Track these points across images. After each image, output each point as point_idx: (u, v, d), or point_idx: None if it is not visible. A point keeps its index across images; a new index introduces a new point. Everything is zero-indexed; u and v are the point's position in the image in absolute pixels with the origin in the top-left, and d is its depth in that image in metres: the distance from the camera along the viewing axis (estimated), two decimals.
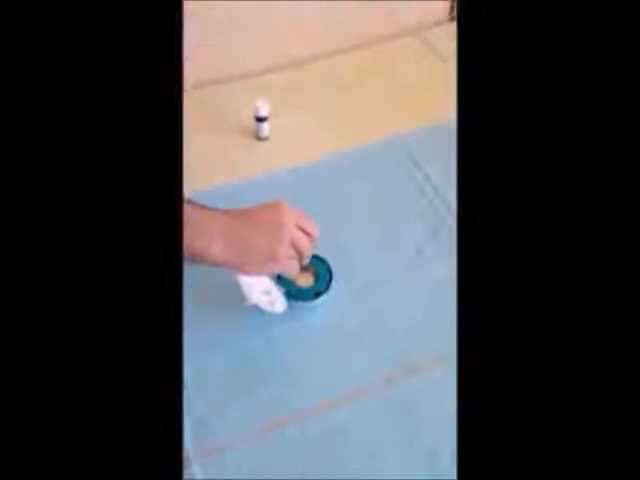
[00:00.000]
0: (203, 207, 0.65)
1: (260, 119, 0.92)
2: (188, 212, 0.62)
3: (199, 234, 0.62)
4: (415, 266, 0.79)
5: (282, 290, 0.73)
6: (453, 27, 1.08)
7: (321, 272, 0.76)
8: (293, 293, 0.74)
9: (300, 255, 0.68)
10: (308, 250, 0.69)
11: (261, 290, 0.71)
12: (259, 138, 0.94)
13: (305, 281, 0.76)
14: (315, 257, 0.75)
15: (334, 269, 0.76)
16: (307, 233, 0.68)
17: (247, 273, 0.68)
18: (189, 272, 0.71)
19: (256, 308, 0.71)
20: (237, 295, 0.70)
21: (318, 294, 0.75)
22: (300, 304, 0.75)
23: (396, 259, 0.80)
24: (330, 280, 0.76)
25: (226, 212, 0.66)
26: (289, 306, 0.73)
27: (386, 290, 0.77)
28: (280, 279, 0.73)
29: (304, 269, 0.74)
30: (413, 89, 0.99)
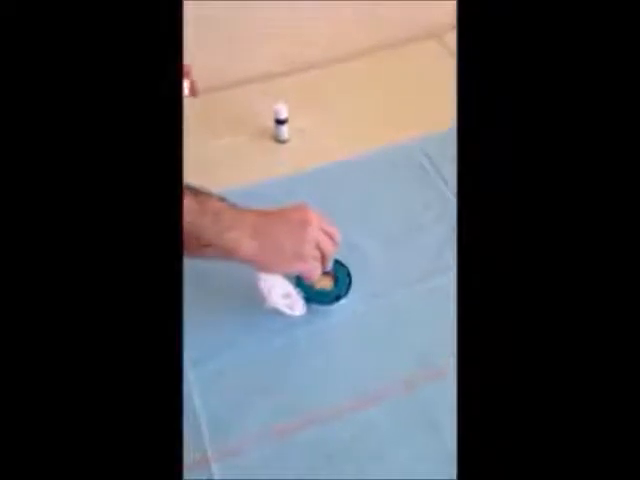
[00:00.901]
0: (234, 205, 0.66)
1: (280, 121, 0.93)
2: (220, 208, 0.63)
3: (230, 229, 0.63)
4: (435, 269, 0.79)
5: (301, 294, 0.73)
6: None
7: (341, 276, 0.76)
8: (312, 297, 0.74)
9: (323, 257, 0.69)
10: (331, 252, 0.69)
11: (280, 293, 0.72)
12: (279, 141, 0.95)
13: (325, 285, 0.76)
14: (335, 261, 0.76)
15: (353, 271, 0.77)
16: (330, 236, 0.69)
17: (273, 272, 0.69)
18: (211, 273, 0.72)
19: (276, 310, 0.72)
20: (258, 297, 0.70)
21: (337, 298, 0.75)
22: (319, 307, 0.75)
23: (415, 262, 0.80)
24: (349, 284, 0.76)
25: (255, 211, 0.67)
26: (309, 309, 0.73)
27: (406, 293, 0.77)
28: (299, 283, 0.73)
29: (324, 273, 0.74)
30: (431, 92, 0.99)
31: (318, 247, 0.67)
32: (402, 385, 0.68)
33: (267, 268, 0.68)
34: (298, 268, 0.68)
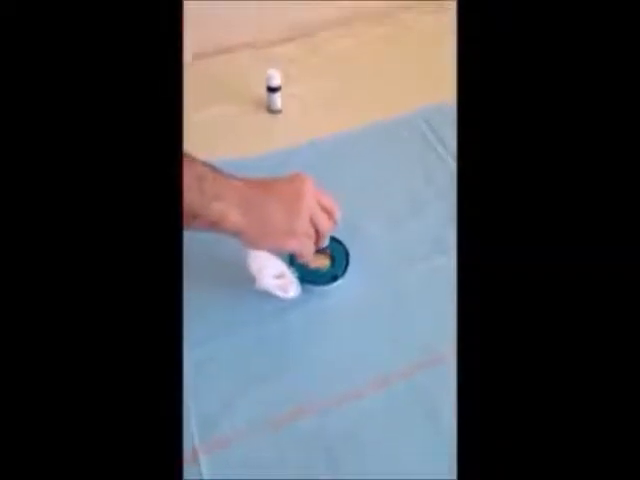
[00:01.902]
0: (222, 173, 0.60)
1: (272, 89, 0.87)
2: (206, 175, 0.57)
3: (217, 199, 0.57)
4: (437, 249, 0.74)
5: (295, 274, 0.68)
6: None
7: (338, 255, 0.72)
8: (307, 277, 0.69)
9: (318, 235, 0.64)
10: (327, 230, 0.64)
11: (272, 274, 0.67)
12: (272, 111, 0.89)
13: (320, 264, 0.71)
14: (332, 239, 0.71)
15: (351, 249, 0.72)
16: (327, 212, 0.63)
17: (262, 248, 0.64)
18: (194, 251, 0.67)
19: (267, 292, 0.67)
20: (247, 277, 0.66)
21: (334, 278, 0.70)
22: (315, 289, 0.70)
23: (417, 241, 0.75)
24: (347, 264, 0.71)
25: (245, 180, 0.61)
26: (304, 290, 0.69)
27: (407, 273, 0.72)
28: (293, 262, 0.68)
29: (320, 251, 0.69)
30: (432, 62, 0.93)
31: (313, 223, 0.62)
32: (404, 371, 0.64)
33: (255, 243, 0.62)
34: (289, 245, 0.62)
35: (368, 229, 0.76)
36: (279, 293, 0.67)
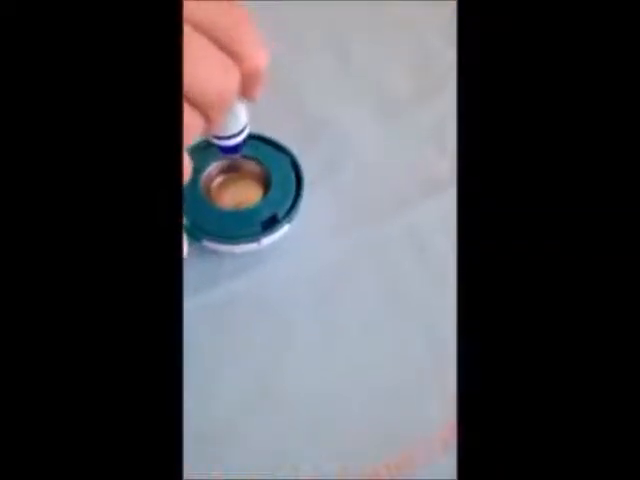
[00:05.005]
0: None
1: None
2: None
3: None
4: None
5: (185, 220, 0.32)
6: None
7: (277, 172, 0.35)
8: (210, 226, 0.33)
9: (208, 105, 0.26)
10: (223, 94, 0.26)
11: None
12: None
13: (242, 194, 0.35)
14: (261, 139, 0.36)
15: (311, 164, 0.35)
16: (234, 55, 0.25)
17: None
18: None
19: None
20: None
21: (272, 223, 0.33)
22: (231, 247, 0.34)
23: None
24: (299, 191, 0.34)
25: None
26: (203, 253, 0.32)
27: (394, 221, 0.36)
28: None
29: (235, 165, 0.35)
30: None
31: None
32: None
33: None
34: None
35: (345, 125, 0.39)
36: None
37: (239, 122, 0.28)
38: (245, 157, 0.35)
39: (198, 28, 0.23)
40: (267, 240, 0.33)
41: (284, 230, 0.34)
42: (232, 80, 0.24)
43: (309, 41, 0.44)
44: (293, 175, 0.35)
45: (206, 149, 0.34)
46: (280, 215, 0.33)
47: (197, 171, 0.33)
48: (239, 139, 0.28)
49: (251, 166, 0.35)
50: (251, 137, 0.29)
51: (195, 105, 0.24)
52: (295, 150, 0.36)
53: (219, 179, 0.36)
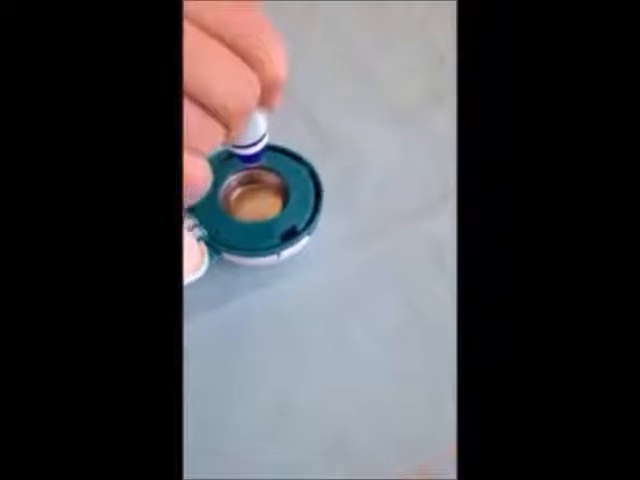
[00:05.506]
0: None
1: None
2: None
3: None
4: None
5: (202, 231, 0.32)
6: None
7: (295, 183, 0.35)
8: (230, 239, 0.33)
9: (229, 117, 0.26)
10: (243, 103, 0.26)
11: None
12: None
13: (261, 207, 0.35)
14: (278, 150, 0.35)
15: (332, 174, 0.35)
16: (253, 62, 0.25)
17: None
18: None
19: None
20: None
21: (292, 235, 0.33)
22: (251, 260, 0.33)
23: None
24: (318, 203, 0.34)
25: None
26: (225, 265, 0.32)
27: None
28: (196, 211, 0.32)
29: (254, 177, 0.34)
30: None
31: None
32: None
33: None
34: None
35: (357, 130, 0.39)
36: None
37: (258, 130, 0.27)
38: (263, 168, 0.35)
39: (215, 32, 0.23)
40: (287, 252, 0.33)
41: (304, 242, 0.34)
42: (253, 89, 0.23)
43: (315, 47, 0.44)
44: (312, 185, 0.35)
45: (225, 161, 0.34)
46: (299, 227, 0.33)
47: (216, 184, 0.33)
48: (259, 147, 0.28)
49: (270, 177, 0.35)
50: (269, 148, 0.29)
51: (215, 114, 0.23)
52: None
53: (238, 191, 0.35)
